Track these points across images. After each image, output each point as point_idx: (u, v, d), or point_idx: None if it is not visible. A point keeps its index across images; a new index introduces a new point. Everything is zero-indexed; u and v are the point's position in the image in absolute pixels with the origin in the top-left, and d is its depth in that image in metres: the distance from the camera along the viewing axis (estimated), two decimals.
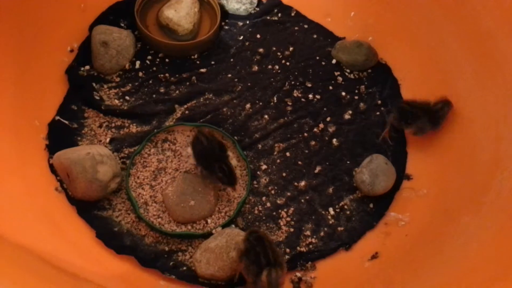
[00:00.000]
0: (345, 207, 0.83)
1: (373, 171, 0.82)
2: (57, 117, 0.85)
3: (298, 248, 0.78)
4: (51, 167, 0.79)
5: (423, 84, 0.95)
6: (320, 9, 1.07)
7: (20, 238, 0.59)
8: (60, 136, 0.83)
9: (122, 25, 0.98)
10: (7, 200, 0.65)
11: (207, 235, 0.76)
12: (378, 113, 0.95)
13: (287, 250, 0.78)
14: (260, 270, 0.63)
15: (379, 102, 0.96)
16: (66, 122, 0.85)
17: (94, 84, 0.90)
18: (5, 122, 0.75)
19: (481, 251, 0.61)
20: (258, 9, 1.06)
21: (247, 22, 1.05)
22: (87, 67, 0.92)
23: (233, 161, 0.85)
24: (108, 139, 0.85)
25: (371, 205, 0.84)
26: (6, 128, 0.74)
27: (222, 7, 1.03)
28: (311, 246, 0.79)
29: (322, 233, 0.80)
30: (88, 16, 0.96)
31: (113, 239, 0.74)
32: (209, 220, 0.78)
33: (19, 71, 0.82)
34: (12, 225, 0.61)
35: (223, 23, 1.03)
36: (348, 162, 0.88)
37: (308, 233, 0.80)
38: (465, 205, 0.73)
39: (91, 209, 0.77)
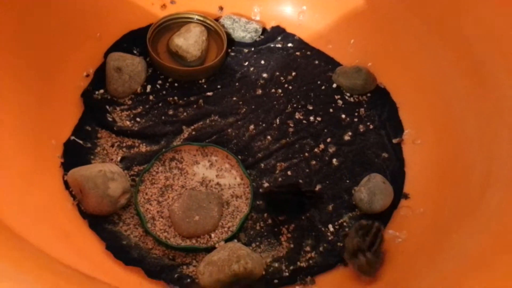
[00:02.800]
0: (344, 224, 0.86)
1: (371, 190, 0.86)
2: (72, 137, 0.90)
3: (298, 263, 0.81)
4: (66, 183, 0.84)
5: (420, 107, 0.99)
6: (322, 37, 1.13)
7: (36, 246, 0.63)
8: (75, 154, 0.88)
9: (135, 52, 1.05)
10: (26, 211, 0.70)
11: (211, 249, 0.79)
12: (377, 135, 0.99)
13: (288, 265, 0.81)
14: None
15: (378, 124, 1.00)
16: (81, 141, 0.90)
17: (107, 107, 0.96)
18: (26, 141, 0.80)
19: (468, 263, 0.64)
20: (262, 36, 1.13)
21: (252, 49, 1.11)
22: (102, 91, 0.98)
23: (237, 179, 0.89)
24: (119, 158, 0.90)
25: None
26: (27, 146, 0.80)
27: (228, 35, 1.09)
28: (311, 261, 0.81)
29: (321, 249, 0.83)
30: (103, 44, 1.03)
31: (121, 251, 0.78)
32: (212, 235, 0.81)
33: (40, 94, 0.88)
34: (30, 235, 0.65)
35: (229, 50, 1.09)
36: (347, 181, 0.92)
37: (308, 248, 0.83)
38: (456, 222, 0.76)
39: (101, 223, 0.81)
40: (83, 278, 0.59)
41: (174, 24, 1.09)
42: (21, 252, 0.58)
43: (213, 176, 0.89)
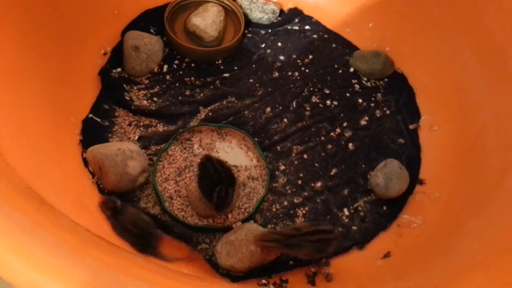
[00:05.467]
0: (359, 208, 0.87)
1: (387, 175, 0.86)
2: (90, 115, 0.90)
3: None
4: (84, 161, 0.85)
5: (438, 93, 0.99)
6: (340, 20, 1.12)
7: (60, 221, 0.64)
8: (93, 132, 0.88)
9: (152, 31, 1.04)
10: (47, 187, 0.71)
11: (227, 229, 0.80)
12: (393, 120, 0.99)
13: None
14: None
15: (395, 109, 1.00)
16: (99, 120, 0.91)
17: (125, 86, 0.96)
18: (46, 118, 0.80)
19: (486, 250, 0.65)
20: (280, 18, 1.12)
21: (269, 30, 1.10)
22: (119, 69, 0.98)
23: (253, 161, 0.90)
24: (136, 137, 0.90)
25: (385, 208, 0.87)
26: (47, 123, 0.80)
27: (246, 16, 1.08)
28: None
29: (336, 232, 0.84)
30: (120, 22, 1.02)
31: None
32: (229, 216, 0.82)
33: (58, 72, 0.88)
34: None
35: (246, 31, 1.08)
36: (363, 165, 0.92)
37: None
38: (472, 209, 0.76)
39: (120, 200, 0.82)
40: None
41: (191, 3, 1.08)
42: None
43: (230, 158, 0.89)
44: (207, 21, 1.03)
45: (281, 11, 1.13)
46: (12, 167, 0.63)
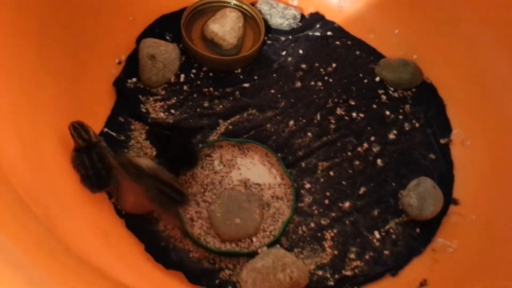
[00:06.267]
0: (391, 230, 0.82)
1: (421, 195, 0.81)
2: (106, 129, 0.86)
3: (343, 271, 0.77)
4: None
5: (470, 105, 0.94)
6: (363, 25, 1.06)
7: (74, 246, 0.60)
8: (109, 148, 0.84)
9: (168, 37, 0.99)
10: (62, 208, 0.66)
11: (252, 254, 0.75)
12: (423, 134, 0.93)
13: (332, 273, 0.77)
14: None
15: (424, 122, 0.95)
16: (114, 134, 0.86)
17: (140, 97, 0.91)
18: (58, 133, 0.76)
19: None
20: (300, 24, 1.06)
21: (290, 37, 1.04)
22: (134, 79, 0.93)
23: (277, 179, 0.85)
24: (154, 152, 0.85)
25: (418, 230, 0.82)
26: (60, 139, 0.75)
27: (265, 21, 1.03)
28: (356, 270, 0.78)
29: (367, 257, 0.79)
30: (135, 29, 0.97)
31: (161, 254, 0.74)
32: (254, 239, 0.78)
33: (71, 84, 0.83)
34: (66, 233, 0.61)
35: (265, 38, 1.03)
36: (393, 183, 0.87)
37: (353, 256, 0.79)
38: None
39: (139, 222, 0.77)
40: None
41: (209, 8, 1.03)
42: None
43: (252, 175, 0.84)
44: (225, 27, 0.98)
45: (302, 16, 1.07)
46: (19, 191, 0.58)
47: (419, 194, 0.81)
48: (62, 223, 0.64)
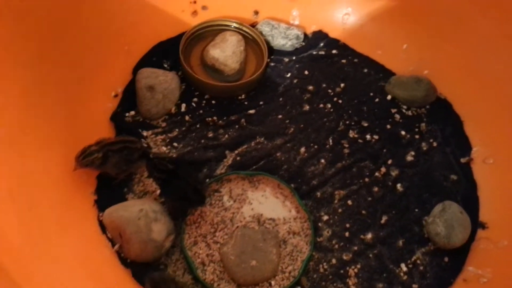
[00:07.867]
0: (418, 261, 0.76)
1: (448, 222, 0.75)
2: None
3: None
4: (101, 224, 0.74)
5: (489, 120, 0.89)
6: (369, 42, 1.02)
7: None
8: (109, 189, 0.78)
9: (166, 65, 0.94)
10: (58, 263, 0.60)
11: None
12: (442, 153, 0.88)
13: None
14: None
15: (442, 141, 0.89)
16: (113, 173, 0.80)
17: (140, 131, 0.86)
18: (54, 176, 0.70)
19: None
20: (304, 43, 1.02)
21: (293, 58, 1.00)
22: (132, 112, 0.88)
23: (292, 212, 0.79)
24: (158, 191, 0.79)
25: (446, 259, 0.76)
26: (56, 182, 0.70)
27: (267, 43, 0.98)
28: None
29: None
30: (131, 58, 0.92)
31: None
32: (272, 282, 0.71)
33: (67, 119, 0.78)
34: None
35: (268, 60, 0.98)
36: (416, 210, 0.81)
37: None
38: None
39: (146, 271, 0.71)
40: None
41: (207, 32, 0.98)
42: None
43: (265, 210, 0.79)
44: (226, 52, 0.93)
45: (305, 35, 1.02)
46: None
47: (446, 221, 0.75)
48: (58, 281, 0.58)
